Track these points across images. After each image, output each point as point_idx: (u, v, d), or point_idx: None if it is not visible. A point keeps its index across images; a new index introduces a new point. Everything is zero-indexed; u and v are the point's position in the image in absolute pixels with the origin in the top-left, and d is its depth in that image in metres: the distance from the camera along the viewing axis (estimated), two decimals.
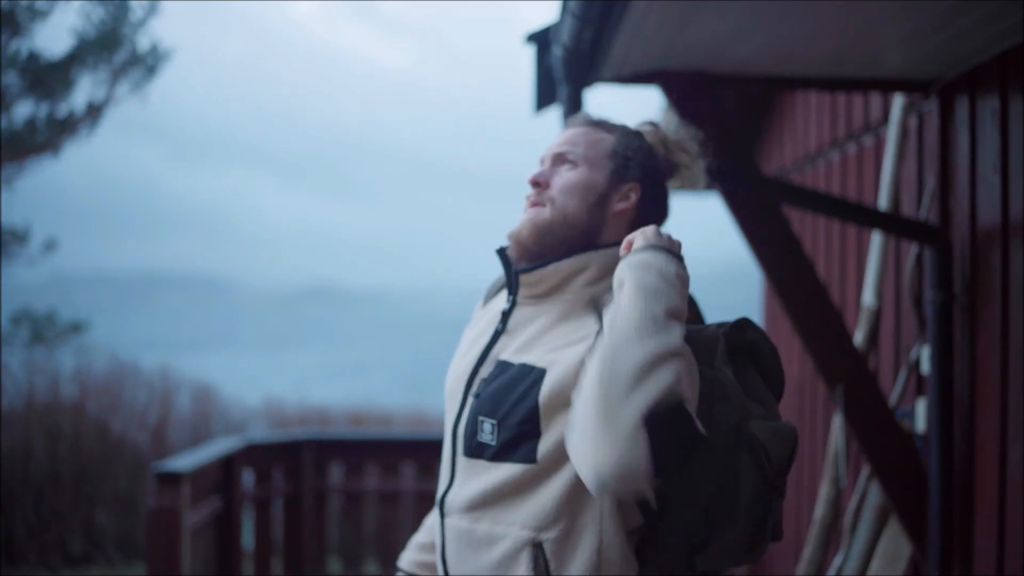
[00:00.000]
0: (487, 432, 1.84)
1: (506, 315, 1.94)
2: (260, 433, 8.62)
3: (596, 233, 1.90)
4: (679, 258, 1.75)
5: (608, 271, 1.89)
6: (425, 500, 6.23)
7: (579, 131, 1.97)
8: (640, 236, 1.77)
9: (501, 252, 1.98)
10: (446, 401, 2.01)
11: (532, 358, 1.85)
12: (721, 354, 1.82)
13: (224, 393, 10.22)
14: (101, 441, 8.20)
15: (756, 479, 1.71)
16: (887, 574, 3.64)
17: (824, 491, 3.83)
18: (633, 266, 1.70)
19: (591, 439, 1.58)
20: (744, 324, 1.85)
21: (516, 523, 1.81)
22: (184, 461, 5.10)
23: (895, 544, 3.65)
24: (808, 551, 3.91)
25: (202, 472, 5.10)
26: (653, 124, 2.05)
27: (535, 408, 1.79)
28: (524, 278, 1.90)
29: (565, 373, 1.78)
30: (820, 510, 3.84)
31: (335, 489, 6.39)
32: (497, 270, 2.04)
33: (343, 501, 6.57)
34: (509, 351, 1.89)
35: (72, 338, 10.48)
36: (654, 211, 1.97)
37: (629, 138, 1.97)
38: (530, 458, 1.80)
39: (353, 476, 6.26)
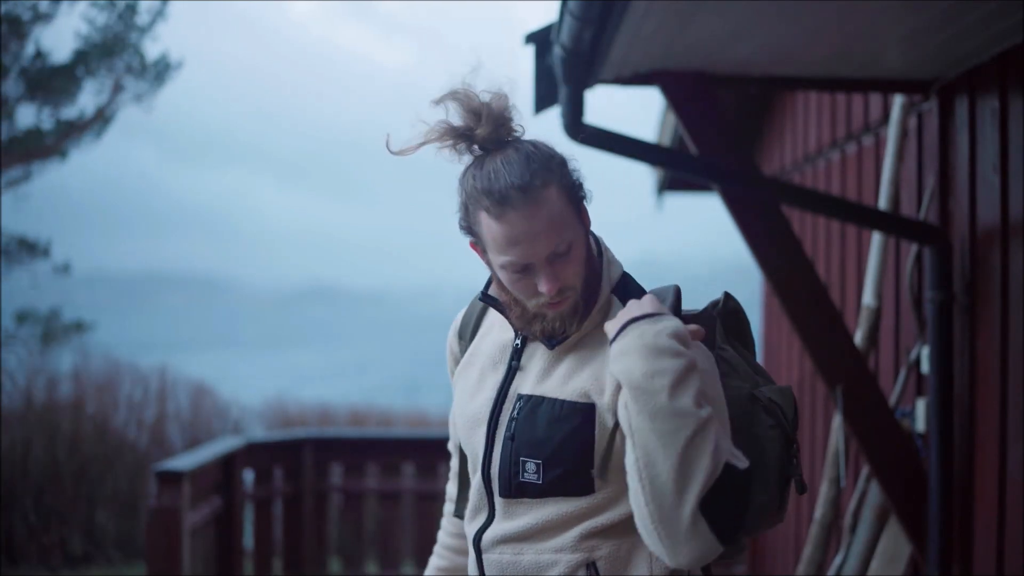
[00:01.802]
0: (531, 472, 1.81)
1: (518, 351, 1.90)
2: (260, 433, 8.63)
3: (597, 263, 1.87)
4: (656, 314, 1.69)
5: (609, 282, 1.88)
6: (425, 500, 6.23)
7: (541, 214, 1.74)
8: (613, 322, 1.71)
9: (488, 298, 1.92)
10: (464, 441, 1.97)
11: (568, 392, 1.81)
12: (720, 334, 1.91)
13: (224, 393, 10.22)
14: (101, 441, 8.20)
15: (778, 439, 1.81)
16: (887, 574, 3.64)
17: (824, 491, 3.83)
18: (619, 368, 1.67)
19: (657, 541, 1.65)
20: (727, 297, 1.95)
21: (566, 548, 1.80)
22: (184, 461, 5.11)
23: (895, 544, 3.65)
24: (808, 551, 3.91)
25: (202, 472, 5.10)
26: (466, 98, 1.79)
27: (590, 446, 1.78)
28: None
29: (613, 406, 1.77)
30: (820, 510, 3.84)
31: (335, 489, 6.39)
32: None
33: (343, 501, 6.58)
34: (529, 384, 1.86)
35: (75, 337, 10.49)
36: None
37: (558, 170, 1.79)
38: (586, 491, 1.80)
39: (353, 476, 6.26)
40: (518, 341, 1.90)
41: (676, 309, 1.83)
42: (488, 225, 1.76)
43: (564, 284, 1.78)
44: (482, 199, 1.76)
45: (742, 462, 1.66)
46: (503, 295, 1.86)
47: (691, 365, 1.65)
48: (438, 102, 1.80)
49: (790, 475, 1.84)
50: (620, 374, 1.66)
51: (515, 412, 1.85)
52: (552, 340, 1.85)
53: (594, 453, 1.78)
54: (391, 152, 1.83)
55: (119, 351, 9.91)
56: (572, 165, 1.82)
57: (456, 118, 1.80)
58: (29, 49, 10.10)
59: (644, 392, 1.63)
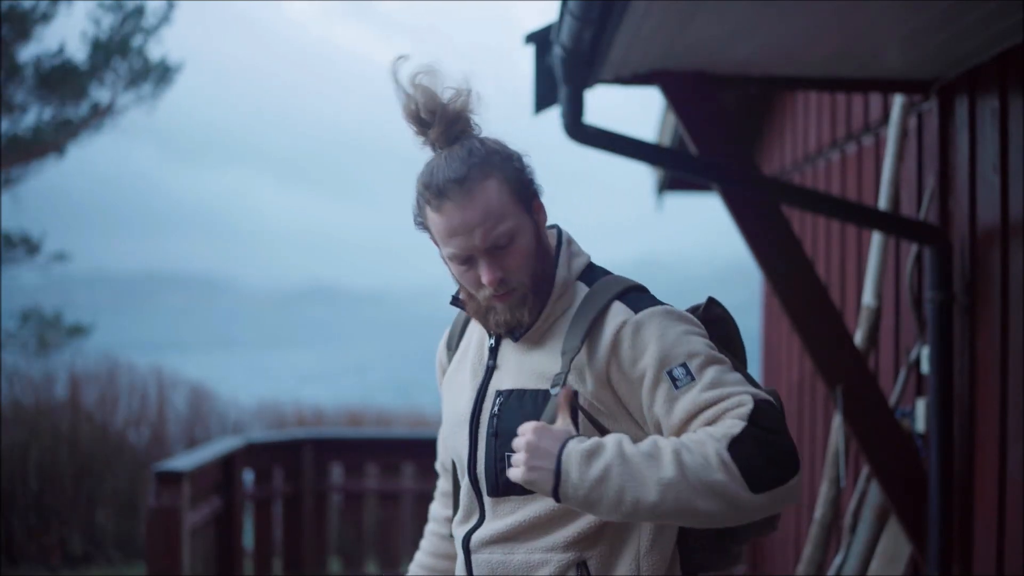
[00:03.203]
0: None
1: (494, 350, 1.91)
2: (260, 433, 8.62)
3: (551, 258, 1.88)
4: (562, 437, 1.68)
5: (569, 269, 1.88)
6: (425, 500, 6.21)
7: (476, 205, 1.78)
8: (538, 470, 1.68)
9: (455, 301, 1.93)
10: (450, 447, 1.99)
11: (546, 381, 1.82)
12: None
13: (223, 393, 10.23)
14: (101, 441, 8.20)
15: None
16: (887, 574, 3.64)
17: (824, 491, 3.83)
18: (584, 506, 1.68)
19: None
20: (711, 303, 1.94)
21: (557, 547, 1.80)
22: (184, 461, 5.11)
23: (895, 544, 3.65)
24: (808, 551, 3.90)
25: (202, 472, 5.10)
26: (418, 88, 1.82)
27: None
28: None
29: (598, 395, 1.79)
30: (820, 510, 3.84)
31: (335, 489, 6.39)
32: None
33: (343, 501, 6.57)
34: (505, 380, 1.87)
35: (75, 341, 10.51)
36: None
37: (501, 164, 1.82)
38: None
39: (353, 476, 6.26)
40: (492, 341, 1.92)
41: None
42: (432, 218, 1.82)
43: (506, 275, 1.81)
44: (425, 193, 1.82)
45: (747, 405, 1.68)
46: (462, 291, 1.89)
47: (610, 456, 1.66)
48: (410, 88, 1.83)
49: None
50: (605, 516, 1.69)
51: (495, 408, 1.85)
52: (514, 333, 1.87)
53: None
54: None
55: (119, 351, 9.92)
56: (521, 161, 1.85)
57: (422, 109, 1.84)
58: (33, 49, 10.12)
59: (638, 508, 1.65)
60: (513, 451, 1.78)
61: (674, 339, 1.75)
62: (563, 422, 1.71)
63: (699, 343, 1.76)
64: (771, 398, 1.72)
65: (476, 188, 1.78)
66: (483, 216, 1.78)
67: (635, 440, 1.74)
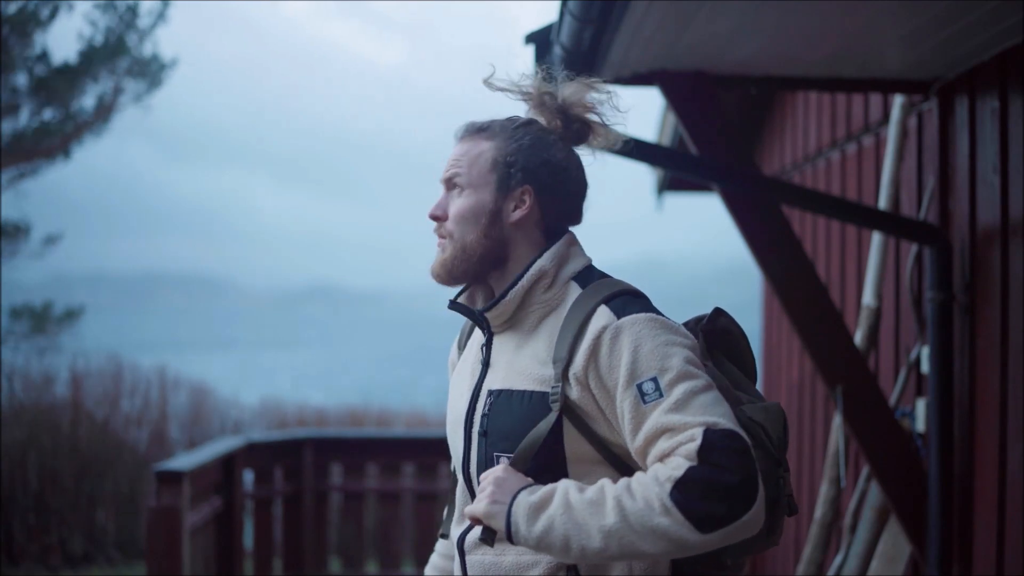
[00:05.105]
0: None
1: (487, 348, 1.92)
2: (260, 433, 8.62)
3: (502, 249, 1.88)
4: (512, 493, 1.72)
5: (559, 266, 1.88)
6: (425, 500, 6.24)
7: (463, 148, 1.91)
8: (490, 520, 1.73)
9: (454, 303, 1.95)
10: (450, 446, 1.99)
11: (533, 381, 1.82)
12: (702, 350, 1.86)
13: (223, 393, 10.22)
14: (101, 441, 8.20)
15: (762, 459, 1.75)
16: (887, 574, 3.65)
17: (824, 491, 3.83)
18: (542, 547, 1.70)
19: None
20: (717, 313, 1.91)
21: None
22: (185, 460, 5.11)
23: (895, 544, 3.65)
24: (808, 551, 3.91)
25: (203, 472, 5.10)
26: (540, 84, 1.93)
27: (559, 436, 1.78)
28: (489, 314, 1.89)
29: (583, 397, 1.78)
30: (820, 510, 3.84)
31: (335, 489, 6.39)
32: None
33: (343, 501, 6.58)
34: (496, 379, 1.88)
35: (68, 326, 10.48)
36: (561, 198, 1.91)
37: (509, 140, 1.89)
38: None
39: (353, 476, 6.26)
40: (485, 339, 1.93)
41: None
42: None
43: (445, 215, 1.89)
44: None
45: (696, 441, 1.65)
46: None
47: (554, 508, 1.69)
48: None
49: (777, 497, 1.78)
50: (563, 560, 1.74)
51: (486, 408, 1.86)
52: (481, 307, 1.91)
53: (564, 443, 1.79)
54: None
55: (118, 351, 9.91)
56: (529, 153, 1.88)
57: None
58: (33, 49, 10.13)
59: (586, 554, 1.68)
60: (502, 452, 1.80)
61: (649, 350, 1.73)
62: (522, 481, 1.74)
63: (676, 356, 1.73)
64: (730, 426, 1.68)
65: (472, 138, 1.91)
66: (457, 156, 1.91)
67: (606, 442, 1.78)
